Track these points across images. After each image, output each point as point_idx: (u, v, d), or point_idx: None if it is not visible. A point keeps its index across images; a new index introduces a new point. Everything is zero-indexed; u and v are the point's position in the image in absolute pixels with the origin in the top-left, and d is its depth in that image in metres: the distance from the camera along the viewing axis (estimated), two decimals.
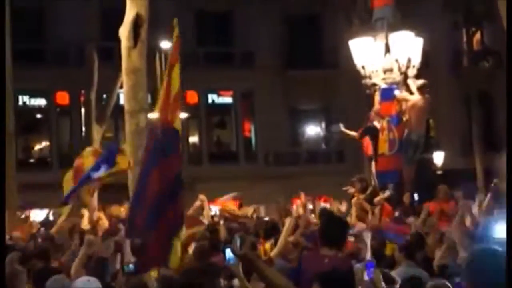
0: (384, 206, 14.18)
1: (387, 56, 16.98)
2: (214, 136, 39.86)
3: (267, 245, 10.24)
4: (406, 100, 16.45)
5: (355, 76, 18.04)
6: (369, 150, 17.29)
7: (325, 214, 12.00)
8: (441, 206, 13.93)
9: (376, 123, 17.09)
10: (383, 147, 16.47)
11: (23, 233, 11.55)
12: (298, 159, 38.82)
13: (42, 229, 13.69)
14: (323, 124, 40.09)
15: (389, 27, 17.05)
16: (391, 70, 16.94)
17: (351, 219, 13.57)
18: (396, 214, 14.54)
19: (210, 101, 38.62)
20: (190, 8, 37.44)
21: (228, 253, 6.42)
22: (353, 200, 14.47)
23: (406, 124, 16.50)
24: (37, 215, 20.83)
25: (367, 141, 17.24)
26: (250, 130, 39.69)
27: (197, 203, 15.03)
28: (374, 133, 17.14)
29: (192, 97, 37.86)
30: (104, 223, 14.06)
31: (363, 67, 17.22)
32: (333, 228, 6.83)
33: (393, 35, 16.95)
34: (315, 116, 40.45)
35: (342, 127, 18.04)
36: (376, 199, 14.33)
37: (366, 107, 17.78)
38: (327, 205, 17.86)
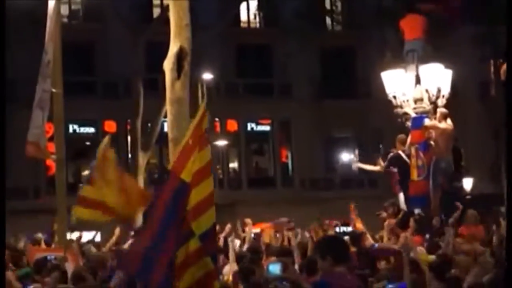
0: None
1: (417, 86, 16.95)
2: (253, 162, 39.91)
3: None
4: (436, 128, 16.39)
5: (387, 106, 18.00)
6: (396, 188, 17.12)
7: (325, 235, 11.95)
8: (471, 230, 13.81)
9: (401, 153, 17.00)
10: (413, 174, 16.39)
11: (72, 255, 11.61)
12: (333, 184, 38.73)
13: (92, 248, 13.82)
14: (357, 151, 39.91)
15: (419, 59, 17.04)
16: (421, 100, 16.90)
17: (383, 241, 13.51)
18: (427, 236, 14.44)
19: (249, 129, 38.72)
20: (231, 41, 37.71)
21: (272, 270, 6.51)
22: (385, 224, 14.40)
23: (433, 150, 16.43)
24: (86, 236, 20.93)
25: (395, 178, 17.05)
26: (287, 156, 39.71)
27: (228, 226, 15.00)
28: (399, 162, 17.04)
29: (232, 125, 38.02)
30: None
31: (394, 97, 17.20)
32: (338, 246, 6.86)
33: (424, 67, 16.94)
34: (348, 144, 40.33)
35: (356, 163, 17.90)
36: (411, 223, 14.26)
37: (397, 135, 17.71)
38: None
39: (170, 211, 6.32)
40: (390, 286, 9.18)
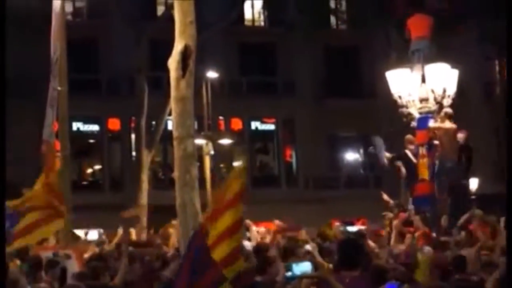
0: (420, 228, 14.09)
1: (423, 86, 16.92)
2: (257, 161, 39.89)
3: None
4: (440, 128, 16.38)
5: (392, 105, 17.98)
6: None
7: (341, 238, 11.99)
8: (478, 230, 13.76)
9: (407, 151, 17.05)
10: (424, 173, 16.38)
11: (76, 252, 11.60)
12: (337, 183, 38.72)
13: (97, 249, 13.82)
14: (361, 151, 40.02)
15: (425, 58, 17.02)
16: (427, 99, 16.88)
17: (391, 241, 13.48)
18: (433, 235, 14.43)
19: (253, 127, 38.72)
20: (236, 40, 37.70)
21: (292, 271, 6.50)
22: (393, 224, 14.38)
23: (438, 150, 16.43)
24: (90, 235, 20.99)
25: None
26: (291, 155, 39.70)
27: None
28: (404, 160, 17.09)
29: (236, 124, 38.02)
30: None
31: (400, 97, 17.18)
32: (347, 250, 6.81)
33: (429, 67, 16.91)
34: (353, 143, 40.36)
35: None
36: (416, 222, 14.26)
37: (402, 135, 17.71)
38: (364, 227, 17.75)
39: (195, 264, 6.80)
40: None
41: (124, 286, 9.80)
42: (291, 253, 11.72)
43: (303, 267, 6.45)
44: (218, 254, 6.72)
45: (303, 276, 6.69)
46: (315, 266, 6.51)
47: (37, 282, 9.99)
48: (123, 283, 10.03)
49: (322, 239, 14.20)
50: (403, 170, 17.44)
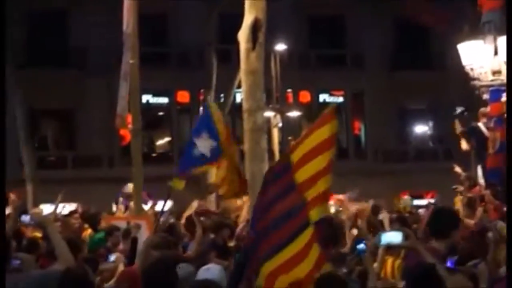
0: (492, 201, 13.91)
1: (495, 58, 16.65)
2: None
3: None
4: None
5: (462, 77, 17.75)
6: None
7: (434, 208, 11.84)
8: None
9: (481, 124, 16.78)
10: (489, 147, 16.18)
11: (149, 223, 11.78)
12: (406, 156, 38.46)
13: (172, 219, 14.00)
14: (431, 123, 39.61)
15: (497, 30, 16.73)
16: (499, 72, 16.61)
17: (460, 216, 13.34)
18: (504, 209, 14.23)
19: (322, 100, 38.59)
20: (303, 12, 37.56)
21: (387, 239, 6.37)
22: (460, 198, 14.22)
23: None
24: (159, 206, 21.28)
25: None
26: (360, 128, 39.52)
27: None
28: (476, 133, 16.82)
29: (304, 96, 37.97)
30: None
31: (471, 69, 16.94)
32: (439, 220, 6.64)
33: (501, 38, 16.62)
34: (422, 116, 39.99)
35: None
36: (486, 196, 14.07)
37: (473, 108, 17.46)
38: (433, 201, 17.57)
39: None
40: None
41: (198, 257, 9.92)
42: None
43: (392, 237, 6.26)
44: (310, 194, 6.64)
45: (390, 246, 6.55)
46: (406, 236, 6.28)
47: (112, 251, 10.21)
48: (197, 255, 10.15)
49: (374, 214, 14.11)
50: (464, 144, 17.17)
